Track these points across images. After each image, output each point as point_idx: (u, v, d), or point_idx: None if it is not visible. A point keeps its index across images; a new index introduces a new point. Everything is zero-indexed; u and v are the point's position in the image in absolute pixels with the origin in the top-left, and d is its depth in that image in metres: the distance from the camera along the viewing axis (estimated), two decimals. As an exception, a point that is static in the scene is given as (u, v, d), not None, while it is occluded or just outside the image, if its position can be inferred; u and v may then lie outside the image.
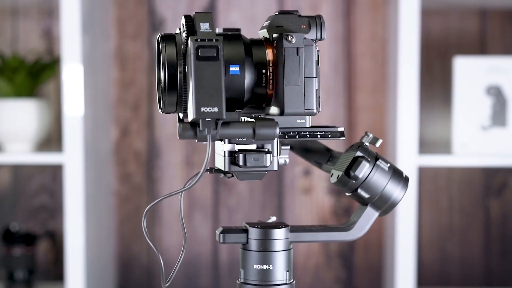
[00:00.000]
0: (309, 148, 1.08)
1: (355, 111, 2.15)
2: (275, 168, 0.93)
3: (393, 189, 0.96)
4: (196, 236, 2.18)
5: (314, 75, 0.91)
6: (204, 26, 0.90)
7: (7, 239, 2.05)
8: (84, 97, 1.86)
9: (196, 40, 0.88)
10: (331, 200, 2.16)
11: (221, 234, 0.97)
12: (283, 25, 0.92)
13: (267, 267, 0.96)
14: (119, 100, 2.17)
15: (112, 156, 2.17)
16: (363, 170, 0.95)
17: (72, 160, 1.83)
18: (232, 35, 0.94)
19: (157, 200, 0.94)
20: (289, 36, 0.90)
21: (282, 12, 0.93)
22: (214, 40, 0.88)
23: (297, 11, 0.94)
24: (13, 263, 2.03)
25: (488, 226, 2.16)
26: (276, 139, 0.91)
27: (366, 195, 0.96)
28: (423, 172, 2.12)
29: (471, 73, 1.86)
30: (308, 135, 0.93)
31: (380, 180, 0.96)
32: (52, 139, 2.14)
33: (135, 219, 2.19)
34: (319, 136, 0.93)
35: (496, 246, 2.17)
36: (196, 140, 0.88)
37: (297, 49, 0.90)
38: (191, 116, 0.87)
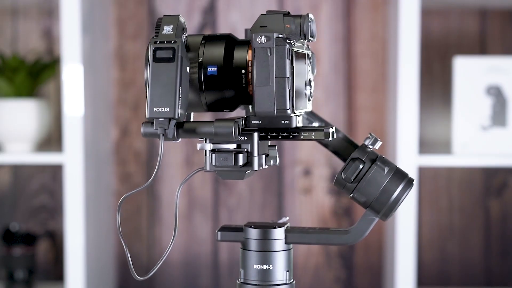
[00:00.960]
0: (338, 150, 1.06)
1: (355, 111, 2.15)
2: (255, 168, 0.94)
3: (390, 192, 0.94)
4: (196, 236, 2.18)
5: (287, 75, 0.90)
6: (167, 29, 0.92)
7: (7, 239, 2.05)
8: (84, 97, 1.86)
9: (155, 42, 0.91)
10: (331, 200, 2.16)
11: (218, 232, 1.00)
12: (267, 25, 0.92)
13: (267, 267, 0.96)
14: (119, 100, 2.17)
15: (112, 156, 2.17)
16: (355, 171, 0.93)
17: (72, 160, 1.83)
18: (215, 37, 0.96)
19: (127, 194, 0.95)
20: (259, 37, 0.90)
21: (269, 12, 0.93)
22: (172, 42, 0.90)
23: (286, 10, 0.94)
24: (13, 263, 2.03)
25: (488, 226, 2.16)
26: (255, 139, 0.93)
27: (362, 198, 0.94)
28: (423, 172, 2.12)
29: (471, 73, 1.86)
30: (291, 136, 0.93)
31: (376, 182, 0.94)
32: (52, 139, 2.14)
33: (135, 219, 2.19)
34: (302, 137, 0.93)
35: (496, 246, 2.17)
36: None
37: (269, 49, 0.90)
38: (146, 115, 0.91)
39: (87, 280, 1.87)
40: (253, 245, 0.97)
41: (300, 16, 0.93)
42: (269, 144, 0.99)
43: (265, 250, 0.96)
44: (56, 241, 2.17)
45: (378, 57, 2.13)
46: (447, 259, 2.17)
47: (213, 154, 0.94)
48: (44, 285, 2.12)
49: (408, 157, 1.80)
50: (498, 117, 1.86)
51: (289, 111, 0.91)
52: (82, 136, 1.83)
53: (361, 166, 0.93)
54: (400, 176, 0.95)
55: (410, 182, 0.95)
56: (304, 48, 0.97)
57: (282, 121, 0.93)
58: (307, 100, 0.98)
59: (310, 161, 2.15)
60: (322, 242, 0.98)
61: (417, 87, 1.80)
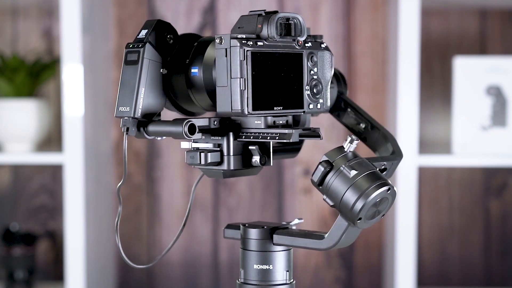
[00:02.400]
0: (375, 147, 1.05)
1: (355, 111, 2.14)
2: (224, 167, 0.95)
3: (351, 198, 0.88)
4: (196, 236, 2.18)
5: (239, 76, 0.91)
6: (142, 33, 0.96)
7: (7, 239, 2.05)
8: (84, 97, 1.86)
9: (128, 46, 0.96)
10: (331, 200, 2.16)
11: (225, 229, 1.02)
12: (244, 26, 0.94)
13: (267, 267, 0.96)
14: (119, 100, 2.17)
15: (112, 156, 2.17)
16: (318, 175, 0.91)
17: (72, 160, 1.83)
18: (207, 39, 0.98)
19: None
20: (217, 38, 0.92)
21: (251, 12, 0.95)
22: (139, 46, 0.95)
23: (265, 10, 0.94)
24: (13, 263, 2.03)
25: (488, 226, 2.16)
26: (230, 138, 0.95)
27: (331, 202, 0.90)
28: (423, 172, 2.12)
29: (471, 73, 1.86)
30: (260, 137, 0.94)
31: (340, 187, 0.89)
32: (52, 139, 2.14)
33: (135, 219, 2.19)
34: (268, 138, 0.94)
35: (496, 246, 2.17)
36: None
37: (225, 50, 0.91)
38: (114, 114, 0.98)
39: (87, 280, 1.87)
40: (253, 245, 0.97)
41: (271, 15, 0.93)
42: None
43: (265, 250, 0.96)
44: (56, 241, 2.17)
45: (378, 57, 2.13)
46: (447, 259, 2.17)
47: (185, 153, 0.96)
48: (44, 285, 2.12)
49: (408, 157, 1.80)
50: (498, 117, 1.86)
51: (244, 112, 0.91)
52: (82, 136, 1.83)
53: (327, 169, 0.90)
54: (368, 180, 0.89)
55: (379, 186, 0.88)
56: (299, 47, 0.96)
57: (256, 122, 0.94)
58: (309, 99, 0.97)
59: (310, 161, 2.15)
60: (301, 246, 0.95)
61: (417, 87, 1.80)
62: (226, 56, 0.91)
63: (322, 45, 0.98)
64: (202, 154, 0.94)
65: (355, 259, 2.18)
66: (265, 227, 0.97)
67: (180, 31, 1.00)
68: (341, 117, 1.07)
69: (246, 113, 0.91)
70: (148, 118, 0.97)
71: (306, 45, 0.97)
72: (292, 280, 0.98)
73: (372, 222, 0.90)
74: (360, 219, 0.88)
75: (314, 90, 0.97)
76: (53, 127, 2.09)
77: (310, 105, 0.98)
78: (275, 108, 0.94)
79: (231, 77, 0.91)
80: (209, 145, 0.96)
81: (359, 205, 0.88)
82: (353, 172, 0.89)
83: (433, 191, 2.16)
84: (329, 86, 0.99)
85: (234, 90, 0.91)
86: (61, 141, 1.94)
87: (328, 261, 2.18)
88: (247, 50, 0.91)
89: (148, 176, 2.18)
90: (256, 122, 0.94)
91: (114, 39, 2.16)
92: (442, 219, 2.17)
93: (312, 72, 0.97)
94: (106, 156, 2.12)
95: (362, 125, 1.05)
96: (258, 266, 0.96)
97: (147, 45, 0.95)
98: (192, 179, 2.17)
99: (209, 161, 0.94)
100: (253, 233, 0.97)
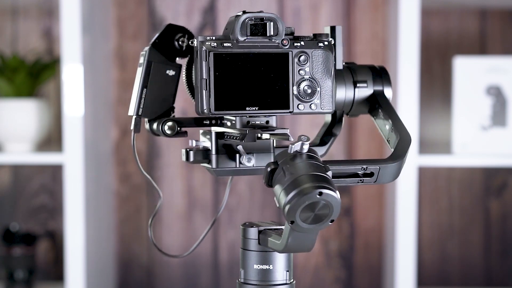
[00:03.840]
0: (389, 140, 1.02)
1: (355, 111, 2.14)
2: (213, 165, 0.97)
3: (281, 201, 0.86)
4: (196, 236, 2.18)
5: (204, 77, 0.93)
6: (153, 37, 1.01)
7: (7, 239, 2.05)
8: (84, 97, 1.86)
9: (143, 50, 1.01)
10: (331, 200, 2.16)
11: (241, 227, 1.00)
12: (228, 27, 0.96)
13: (267, 267, 0.96)
14: (119, 100, 2.17)
15: (112, 156, 2.17)
16: (264, 176, 0.90)
17: (72, 160, 1.83)
18: None
19: None
20: (191, 40, 0.95)
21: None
22: (146, 49, 1.00)
23: (244, 11, 0.95)
24: (13, 263, 2.03)
25: (488, 226, 2.16)
26: (212, 137, 0.97)
27: (276, 204, 0.89)
28: (423, 172, 2.12)
29: (471, 73, 1.86)
30: (226, 136, 0.97)
31: (277, 189, 0.88)
32: (52, 139, 2.14)
33: (135, 219, 2.19)
34: (233, 138, 0.96)
35: (496, 246, 2.17)
36: None
37: (196, 52, 0.94)
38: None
39: (87, 280, 1.87)
40: (253, 245, 0.97)
41: (239, 16, 0.94)
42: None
43: (265, 250, 0.96)
44: (56, 241, 2.17)
45: (378, 57, 2.13)
46: (447, 259, 2.17)
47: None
48: (44, 285, 2.12)
49: (408, 157, 1.80)
50: (498, 117, 1.86)
51: (204, 112, 0.93)
52: (82, 136, 1.83)
53: (271, 171, 0.89)
54: (296, 184, 0.86)
55: (306, 190, 0.85)
56: (284, 46, 0.95)
57: (228, 123, 0.97)
58: (297, 100, 0.96)
59: (310, 161, 2.15)
60: (269, 246, 0.94)
61: (417, 87, 1.80)
62: (196, 57, 0.94)
63: (320, 44, 0.97)
64: (191, 152, 0.98)
65: (355, 259, 2.18)
66: (266, 227, 0.97)
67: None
68: (376, 118, 1.03)
69: (209, 113, 0.93)
70: (153, 116, 1.00)
71: (296, 44, 0.96)
72: (292, 280, 0.97)
73: (319, 227, 0.86)
74: (292, 222, 0.86)
75: (304, 91, 0.96)
76: (53, 127, 2.09)
77: (300, 105, 0.96)
78: (247, 109, 0.95)
79: (199, 78, 0.93)
80: (206, 144, 0.99)
81: (286, 208, 0.85)
82: (288, 175, 0.88)
83: (433, 191, 2.16)
84: (331, 86, 0.98)
85: (200, 91, 0.93)
86: (61, 141, 1.94)
87: (328, 261, 2.18)
88: (210, 52, 0.93)
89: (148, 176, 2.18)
90: (233, 123, 0.97)
91: (114, 39, 2.16)
92: (442, 219, 2.17)
93: (301, 71, 0.96)
94: (106, 156, 2.12)
95: (387, 127, 1.02)
96: (258, 266, 0.96)
97: (150, 47, 0.99)
98: (192, 179, 2.17)
99: (191, 159, 0.98)
100: (253, 233, 0.97)
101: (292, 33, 0.96)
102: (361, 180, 0.94)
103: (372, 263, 2.18)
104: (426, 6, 1.98)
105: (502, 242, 2.16)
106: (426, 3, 1.91)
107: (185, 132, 1.00)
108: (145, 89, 0.99)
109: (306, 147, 0.90)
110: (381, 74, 1.03)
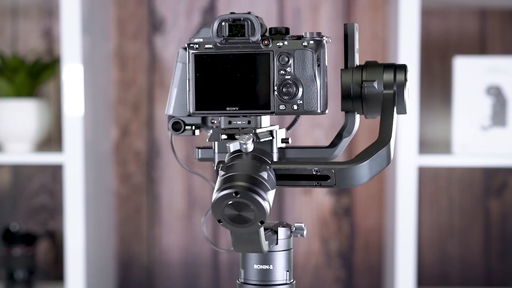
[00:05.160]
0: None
1: (355, 111, 2.14)
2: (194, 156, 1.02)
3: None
4: (196, 236, 2.18)
5: (188, 78, 0.96)
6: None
7: (7, 239, 2.05)
8: (84, 97, 1.86)
9: None
10: (331, 200, 2.16)
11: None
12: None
13: (267, 267, 0.96)
14: (119, 100, 2.17)
15: (112, 156, 2.17)
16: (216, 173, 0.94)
17: (72, 160, 1.83)
18: None
19: None
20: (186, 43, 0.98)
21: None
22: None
23: (233, 12, 0.96)
24: (13, 263, 2.03)
25: (488, 226, 2.16)
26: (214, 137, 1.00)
27: None
28: (423, 172, 2.12)
29: (471, 73, 1.86)
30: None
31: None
32: (52, 139, 2.14)
33: (135, 219, 2.19)
34: (208, 140, 0.98)
35: (496, 246, 2.17)
36: None
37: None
38: None
39: (87, 280, 1.87)
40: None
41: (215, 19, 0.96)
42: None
43: (265, 250, 0.96)
44: (56, 241, 2.17)
45: (378, 57, 2.13)
46: (447, 259, 2.17)
47: None
48: (44, 285, 2.12)
49: (408, 157, 1.80)
50: (498, 117, 1.86)
51: (190, 111, 0.96)
52: (82, 136, 1.83)
53: (215, 171, 0.93)
54: (220, 183, 0.89)
55: (223, 190, 0.88)
56: (265, 46, 0.94)
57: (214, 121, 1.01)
58: (279, 100, 0.94)
59: (310, 161, 2.14)
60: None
61: (417, 87, 1.80)
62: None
63: (305, 43, 0.94)
64: (198, 150, 1.02)
65: (355, 259, 2.18)
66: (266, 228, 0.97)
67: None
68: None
69: (191, 112, 0.96)
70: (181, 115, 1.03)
71: (279, 44, 0.94)
72: (292, 280, 0.97)
73: (249, 228, 0.88)
74: (220, 221, 0.89)
75: (285, 91, 0.95)
76: (53, 127, 2.09)
77: (281, 106, 0.95)
78: (227, 109, 0.96)
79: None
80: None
81: (212, 207, 0.90)
82: (221, 173, 0.90)
83: (433, 191, 2.16)
84: (318, 86, 0.95)
85: (188, 92, 0.97)
86: (61, 141, 1.94)
87: (328, 261, 2.18)
88: (191, 53, 0.95)
89: (148, 176, 2.18)
90: (215, 123, 1.00)
91: (114, 39, 2.16)
92: (442, 219, 2.16)
93: (282, 72, 0.95)
94: (106, 156, 2.12)
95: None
96: (258, 266, 0.96)
97: (181, 50, 1.01)
98: (192, 179, 2.17)
99: (199, 156, 1.01)
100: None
101: (283, 33, 0.95)
102: (318, 183, 0.92)
103: (372, 263, 2.18)
104: (426, 6, 1.98)
105: (502, 242, 2.16)
106: (426, 3, 1.91)
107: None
108: (175, 90, 1.02)
109: (248, 146, 0.91)
110: (394, 74, 0.97)
